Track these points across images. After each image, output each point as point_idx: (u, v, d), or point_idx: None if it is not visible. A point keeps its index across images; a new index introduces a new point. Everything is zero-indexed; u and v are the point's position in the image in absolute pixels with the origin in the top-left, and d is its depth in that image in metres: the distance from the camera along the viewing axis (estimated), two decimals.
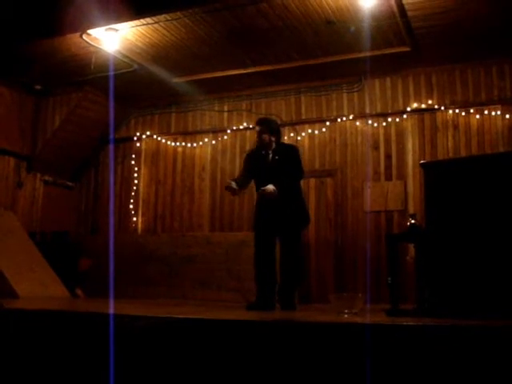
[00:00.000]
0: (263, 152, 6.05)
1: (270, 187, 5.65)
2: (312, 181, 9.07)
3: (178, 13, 7.10)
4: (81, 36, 7.68)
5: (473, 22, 7.22)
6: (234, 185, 5.86)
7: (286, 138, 9.35)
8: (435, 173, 4.68)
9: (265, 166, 5.99)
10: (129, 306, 5.72)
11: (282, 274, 5.83)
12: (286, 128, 9.41)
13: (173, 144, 10.27)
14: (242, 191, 6.24)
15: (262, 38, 7.76)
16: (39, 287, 7.60)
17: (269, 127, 6.05)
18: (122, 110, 10.41)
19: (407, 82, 8.84)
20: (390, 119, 8.83)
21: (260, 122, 6.12)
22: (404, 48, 7.96)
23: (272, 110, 9.58)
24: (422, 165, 5.07)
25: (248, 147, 9.60)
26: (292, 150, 6.10)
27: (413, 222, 5.19)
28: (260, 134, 6.00)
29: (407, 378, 3.16)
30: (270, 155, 5.99)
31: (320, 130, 9.22)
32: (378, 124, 8.89)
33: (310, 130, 9.29)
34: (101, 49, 7.99)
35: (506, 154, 6.02)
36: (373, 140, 8.89)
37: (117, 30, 7.52)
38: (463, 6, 6.84)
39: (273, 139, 6.02)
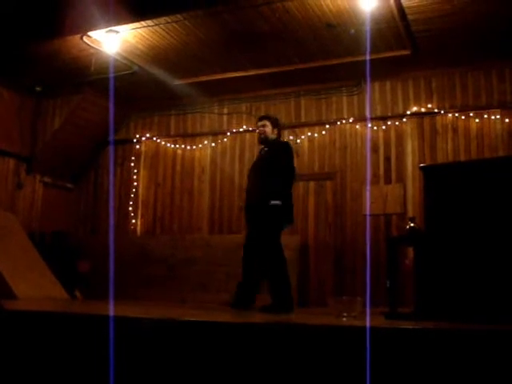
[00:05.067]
0: (260, 148, 6.28)
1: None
2: (311, 184, 9.08)
3: (179, 15, 7.11)
4: (81, 38, 7.69)
5: (473, 26, 7.23)
6: None
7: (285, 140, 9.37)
8: (435, 176, 4.69)
9: (257, 160, 6.23)
10: (128, 308, 5.71)
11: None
12: (286, 131, 9.40)
13: (172, 146, 10.27)
14: None
15: (262, 40, 7.76)
16: (38, 288, 7.59)
17: (270, 120, 6.25)
18: (122, 111, 10.42)
19: (407, 85, 8.85)
20: (389, 122, 8.84)
21: (262, 117, 6.38)
22: (404, 51, 7.97)
23: (272, 113, 9.51)
24: (421, 168, 5.08)
25: (247, 150, 9.64)
26: (284, 146, 6.14)
27: (412, 225, 5.20)
28: (263, 126, 6.18)
29: (406, 381, 3.16)
30: (265, 149, 6.16)
31: (320, 133, 9.23)
32: (378, 127, 8.90)
33: (309, 133, 9.30)
34: (101, 51, 7.99)
35: (506, 158, 6.03)
36: (372, 143, 8.89)
37: (117, 32, 7.52)
38: (463, 9, 6.85)
39: (275, 131, 6.20)
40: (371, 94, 8.99)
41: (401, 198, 8.52)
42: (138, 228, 10.24)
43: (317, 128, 9.27)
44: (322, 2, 6.78)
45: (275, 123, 6.25)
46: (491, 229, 4.23)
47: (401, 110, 8.82)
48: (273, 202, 5.70)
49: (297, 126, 9.41)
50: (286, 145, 6.24)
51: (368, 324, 3.32)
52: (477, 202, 4.34)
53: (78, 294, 8.45)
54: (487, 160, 6.38)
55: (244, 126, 9.76)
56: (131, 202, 10.31)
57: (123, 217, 10.33)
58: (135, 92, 9.74)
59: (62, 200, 10.51)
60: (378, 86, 9.00)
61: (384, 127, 8.86)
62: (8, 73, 9.03)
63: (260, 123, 6.23)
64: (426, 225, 4.65)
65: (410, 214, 8.01)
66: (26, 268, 7.83)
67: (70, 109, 9.74)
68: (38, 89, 9.68)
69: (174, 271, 8.96)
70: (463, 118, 8.41)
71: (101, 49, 7.94)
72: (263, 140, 6.21)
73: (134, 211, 10.29)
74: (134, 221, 10.25)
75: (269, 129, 6.15)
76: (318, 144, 9.24)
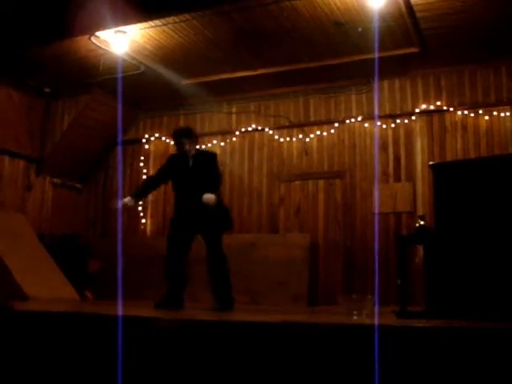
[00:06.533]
0: (184, 157, 6.18)
1: (212, 196, 5.83)
2: (321, 182, 9.07)
3: (187, 15, 7.12)
4: (90, 38, 7.72)
5: (482, 24, 7.19)
6: (129, 201, 6.23)
7: (294, 139, 9.37)
8: (444, 174, 4.66)
9: (186, 170, 6.17)
10: (138, 308, 5.72)
11: (214, 274, 6.31)
12: (295, 130, 9.41)
13: None
14: (139, 201, 7.04)
15: (271, 39, 7.76)
16: (48, 289, 7.61)
17: (185, 135, 6.17)
18: (131, 112, 10.44)
19: (416, 83, 8.82)
20: (398, 120, 8.81)
21: (177, 135, 6.21)
22: (413, 49, 7.94)
23: (280, 112, 9.58)
24: (431, 166, 5.06)
25: (256, 149, 9.64)
26: (211, 157, 6.24)
27: (422, 223, 5.17)
28: (180, 144, 6.12)
29: (416, 379, 3.15)
30: (191, 161, 6.14)
31: (328, 131, 9.21)
32: (387, 125, 8.88)
33: (318, 132, 9.28)
34: (109, 51, 8.01)
35: None
36: (381, 141, 8.86)
37: (125, 32, 7.54)
38: (472, 7, 6.82)
39: (192, 146, 6.16)
40: (380, 92, 8.96)
41: (410, 197, 8.51)
42: (148, 228, 10.26)
43: (326, 127, 9.26)
44: (330, 0, 6.77)
45: (190, 137, 6.17)
46: (501, 226, 4.21)
47: (410, 108, 8.79)
48: (212, 210, 5.94)
49: (306, 125, 9.39)
50: (212, 155, 6.30)
51: (378, 322, 3.31)
52: (487, 200, 4.32)
53: (88, 294, 8.47)
54: (497, 157, 6.35)
55: (253, 125, 9.75)
56: (140, 202, 10.31)
57: (133, 217, 10.33)
58: (144, 92, 9.75)
59: (71, 201, 10.54)
60: (387, 84, 8.98)
61: (393, 125, 8.84)
62: (17, 74, 9.07)
63: (177, 142, 6.16)
64: (436, 223, 4.63)
65: (420, 212, 7.97)
66: (37, 269, 7.86)
67: (78, 109, 9.77)
68: (47, 90, 9.72)
69: None
70: (472, 115, 8.37)
71: (109, 49, 7.96)
72: (185, 156, 6.21)
73: (143, 211, 10.30)
74: (143, 221, 10.27)
75: (187, 146, 6.09)
76: (327, 143, 9.23)
